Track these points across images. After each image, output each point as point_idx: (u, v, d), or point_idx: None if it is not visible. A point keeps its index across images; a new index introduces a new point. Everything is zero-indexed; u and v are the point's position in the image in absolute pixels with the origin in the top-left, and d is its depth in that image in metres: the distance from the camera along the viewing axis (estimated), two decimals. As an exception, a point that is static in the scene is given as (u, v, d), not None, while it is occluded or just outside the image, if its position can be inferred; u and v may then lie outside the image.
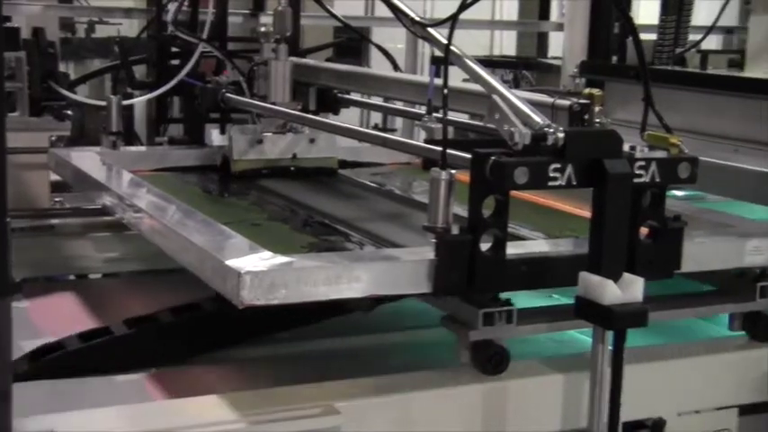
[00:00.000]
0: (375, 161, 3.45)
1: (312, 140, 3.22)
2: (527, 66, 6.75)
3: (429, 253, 1.90)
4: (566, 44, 4.26)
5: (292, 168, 3.20)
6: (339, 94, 3.40)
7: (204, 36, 3.84)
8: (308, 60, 3.80)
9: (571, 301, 1.91)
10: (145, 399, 2.03)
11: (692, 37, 3.95)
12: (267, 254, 1.93)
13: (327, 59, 4.85)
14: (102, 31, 7.50)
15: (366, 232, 2.50)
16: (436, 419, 1.93)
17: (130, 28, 6.06)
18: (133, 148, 3.64)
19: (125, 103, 3.44)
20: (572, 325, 2.07)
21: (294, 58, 3.34)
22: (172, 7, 4.02)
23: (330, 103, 3.43)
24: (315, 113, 3.36)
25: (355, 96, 3.46)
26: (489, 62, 6.47)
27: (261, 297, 1.80)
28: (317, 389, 1.92)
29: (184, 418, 1.81)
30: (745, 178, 2.86)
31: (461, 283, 1.88)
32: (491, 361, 1.97)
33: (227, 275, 1.84)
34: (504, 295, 1.98)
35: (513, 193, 1.87)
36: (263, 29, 3.33)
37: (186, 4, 4.20)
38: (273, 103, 3.19)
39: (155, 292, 2.75)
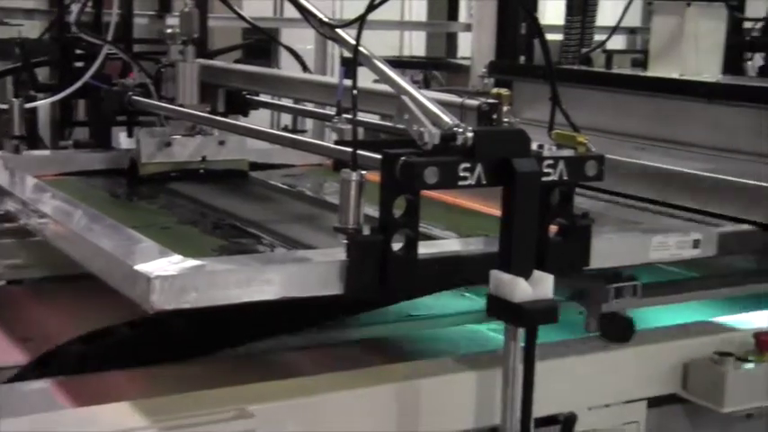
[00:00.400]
0: (286, 163, 3.44)
1: (222, 143, 3.19)
2: (436, 66, 6.80)
3: (340, 254, 1.89)
4: (474, 45, 4.30)
5: (202, 171, 3.17)
6: (248, 96, 3.38)
7: (109, 37, 3.78)
8: (217, 62, 3.77)
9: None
10: (53, 407, 1.98)
11: (598, 37, 4.02)
12: (177, 257, 1.90)
13: (236, 61, 4.82)
14: (2, 33, 7.33)
15: (277, 234, 2.49)
16: (349, 420, 1.93)
17: (32, 29, 5.93)
18: (37, 152, 3.57)
19: (28, 106, 3.37)
20: (692, 296, 2.54)
21: (202, 60, 3.31)
22: (75, 8, 3.94)
23: (239, 104, 3.41)
24: (224, 115, 3.34)
25: (265, 98, 3.44)
26: (399, 63, 6.50)
27: (171, 301, 1.77)
28: (231, 392, 1.90)
29: (95, 427, 1.78)
30: (649, 175, 2.91)
31: (373, 283, 1.88)
32: (620, 330, 2.23)
33: (136, 280, 1.81)
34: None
35: (425, 192, 1.87)
36: (169, 30, 3.29)
37: (90, 4, 4.13)
38: (182, 106, 3.15)
39: (61, 298, 2.70)
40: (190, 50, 3.20)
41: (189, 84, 3.19)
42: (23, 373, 2.13)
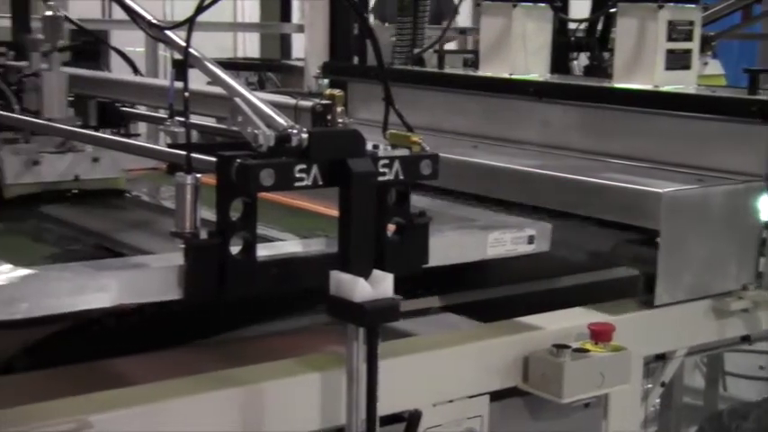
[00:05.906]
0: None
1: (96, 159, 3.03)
2: (270, 68, 6.77)
3: (178, 259, 1.86)
4: (307, 46, 4.28)
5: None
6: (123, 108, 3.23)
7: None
8: (84, 71, 3.59)
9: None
10: None
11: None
12: (7, 267, 1.83)
13: (65, 64, 4.68)
14: None
15: (114, 241, 2.43)
16: (193, 427, 1.90)
17: None
18: None
19: None
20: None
21: (69, 69, 3.14)
22: None
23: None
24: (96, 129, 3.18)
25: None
26: (233, 65, 6.44)
27: (1, 312, 1.71)
28: (69, 403, 1.84)
29: None
30: (483, 173, 2.97)
31: (212, 287, 1.86)
32: None
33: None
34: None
35: (262, 194, 1.86)
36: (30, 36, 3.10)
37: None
38: (50, 120, 2.94)
39: None
40: (55, 58, 3.02)
41: (56, 95, 3.00)
42: None
